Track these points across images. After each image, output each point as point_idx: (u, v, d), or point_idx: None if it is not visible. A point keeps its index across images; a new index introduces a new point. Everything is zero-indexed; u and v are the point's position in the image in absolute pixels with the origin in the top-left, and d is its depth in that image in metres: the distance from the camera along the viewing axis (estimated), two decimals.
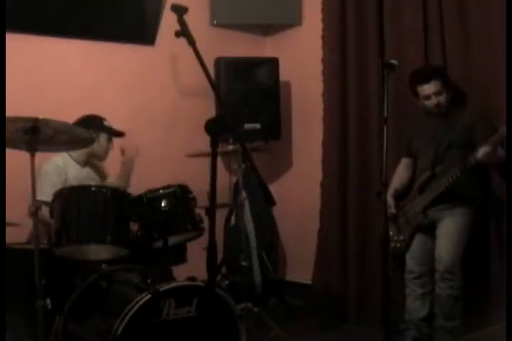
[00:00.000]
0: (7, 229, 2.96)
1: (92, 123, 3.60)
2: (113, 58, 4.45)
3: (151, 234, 3.12)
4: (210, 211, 2.30)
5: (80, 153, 3.67)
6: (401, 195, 3.73)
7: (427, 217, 3.57)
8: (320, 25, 4.62)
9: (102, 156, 3.77)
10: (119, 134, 3.79)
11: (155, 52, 4.59)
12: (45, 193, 3.27)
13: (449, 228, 3.50)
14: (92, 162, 3.82)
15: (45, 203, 3.26)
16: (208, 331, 2.46)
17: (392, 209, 3.64)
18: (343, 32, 4.45)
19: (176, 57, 4.65)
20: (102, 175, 3.87)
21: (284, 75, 4.87)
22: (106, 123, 3.71)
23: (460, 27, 3.81)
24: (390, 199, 3.65)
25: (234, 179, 4.51)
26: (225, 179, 4.53)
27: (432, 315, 3.62)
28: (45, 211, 3.27)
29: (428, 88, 3.54)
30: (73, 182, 3.56)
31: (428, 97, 3.55)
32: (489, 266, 3.60)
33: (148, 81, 4.61)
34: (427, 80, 3.54)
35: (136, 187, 3.19)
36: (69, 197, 3.06)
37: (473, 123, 3.46)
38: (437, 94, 3.53)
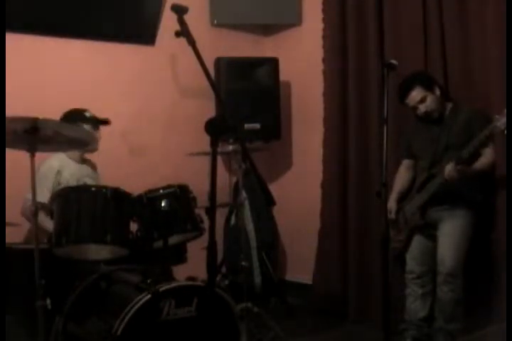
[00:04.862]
0: (7, 229, 2.96)
1: (74, 117, 3.59)
2: (113, 58, 4.45)
3: (151, 234, 3.12)
4: (210, 211, 2.30)
5: (76, 153, 3.69)
6: (404, 197, 3.72)
7: (423, 217, 3.56)
8: (320, 25, 4.62)
9: (94, 147, 3.72)
10: (104, 122, 3.76)
11: (155, 52, 4.60)
12: (42, 195, 3.28)
13: (450, 230, 3.49)
14: (86, 158, 3.82)
15: (42, 205, 3.25)
16: (207, 331, 2.45)
17: (392, 215, 3.64)
18: (344, 32, 4.45)
19: (176, 57, 4.65)
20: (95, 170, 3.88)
21: (284, 75, 4.87)
22: (87, 114, 3.68)
23: (460, 27, 3.81)
24: (393, 205, 3.66)
25: (234, 179, 4.52)
26: (225, 179, 4.53)
27: (432, 316, 3.61)
28: (40, 215, 3.13)
29: (410, 100, 3.53)
30: (70, 180, 3.57)
31: (415, 108, 3.55)
32: (490, 267, 3.60)
33: (148, 81, 4.62)
34: (404, 95, 3.53)
35: (136, 187, 3.18)
36: (69, 197, 3.06)
37: (470, 122, 3.44)
38: (421, 101, 3.50)
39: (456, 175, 3.30)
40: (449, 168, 3.31)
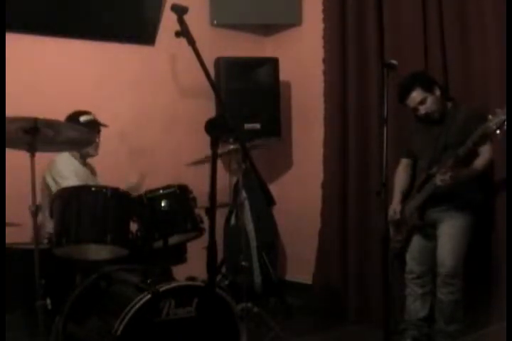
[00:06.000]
0: (7, 229, 2.96)
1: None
2: (113, 58, 4.45)
3: (151, 234, 3.12)
4: (210, 211, 2.30)
5: (79, 155, 3.71)
6: (406, 197, 3.72)
7: (421, 217, 3.56)
8: (320, 25, 4.62)
9: (93, 151, 3.74)
10: (101, 125, 3.75)
11: (155, 52, 4.59)
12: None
13: (450, 231, 3.48)
14: (87, 162, 3.83)
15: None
16: (208, 331, 2.46)
17: (397, 215, 3.63)
18: (344, 32, 4.45)
19: (176, 57, 4.65)
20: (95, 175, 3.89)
21: (284, 75, 4.87)
22: (82, 118, 3.65)
23: (459, 27, 3.81)
24: (397, 206, 3.65)
25: (234, 179, 4.51)
26: (225, 179, 4.52)
27: (432, 317, 3.61)
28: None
29: (410, 102, 3.52)
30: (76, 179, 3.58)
31: (416, 109, 3.54)
32: (489, 267, 3.60)
33: (148, 81, 4.62)
34: (404, 97, 3.52)
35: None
36: (69, 197, 3.06)
37: (468, 121, 3.43)
38: (422, 102, 3.49)
39: (450, 181, 3.30)
40: (441, 176, 3.31)
